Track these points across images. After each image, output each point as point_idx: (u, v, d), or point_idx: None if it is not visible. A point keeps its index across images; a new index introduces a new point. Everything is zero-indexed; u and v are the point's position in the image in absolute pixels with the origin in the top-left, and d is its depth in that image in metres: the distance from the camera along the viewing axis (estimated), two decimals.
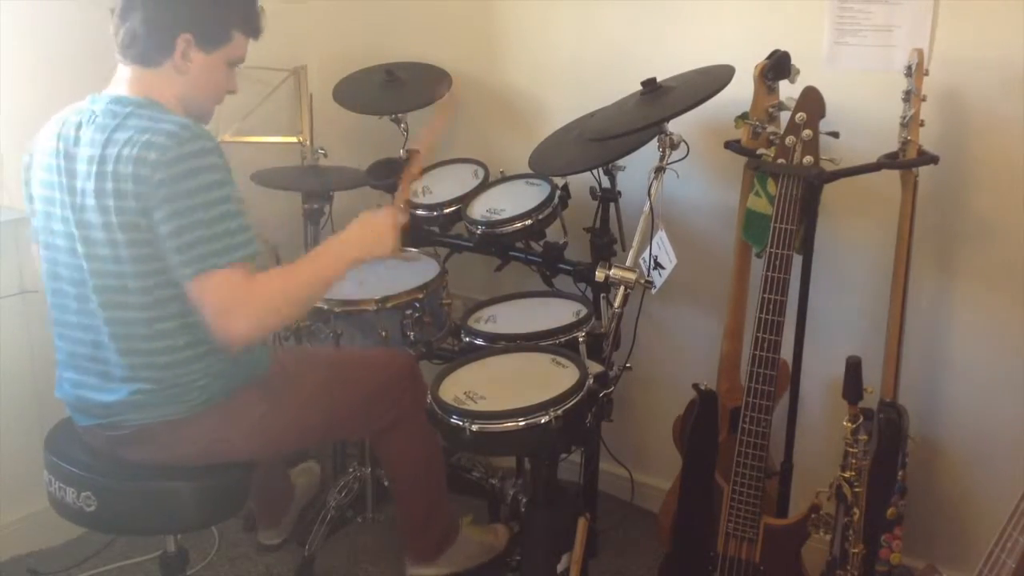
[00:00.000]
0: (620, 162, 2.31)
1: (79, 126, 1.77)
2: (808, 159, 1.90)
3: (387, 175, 2.65)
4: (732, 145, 2.19)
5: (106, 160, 1.70)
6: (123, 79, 1.80)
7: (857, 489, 1.88)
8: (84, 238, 1.76)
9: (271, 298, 1.76)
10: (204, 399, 1.83)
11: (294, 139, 2.89)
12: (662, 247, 2.12)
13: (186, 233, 1.68)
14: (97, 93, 1.82)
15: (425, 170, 2.73)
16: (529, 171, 2.44)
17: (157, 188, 1.66)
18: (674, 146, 2.07)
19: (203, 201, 1.68)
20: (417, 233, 2.61)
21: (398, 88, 2.72)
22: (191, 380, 1.81)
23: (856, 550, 1.92)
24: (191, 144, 1.69)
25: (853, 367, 1.81)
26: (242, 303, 1.71)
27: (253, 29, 1.87)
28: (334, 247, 1.88)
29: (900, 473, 1.99)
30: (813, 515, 1.95)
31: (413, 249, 2.56)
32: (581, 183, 2.41)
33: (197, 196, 1.68)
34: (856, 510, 1.89)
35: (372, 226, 1.90)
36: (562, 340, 2.16)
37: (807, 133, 1.90)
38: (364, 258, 1.88)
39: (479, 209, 2.48)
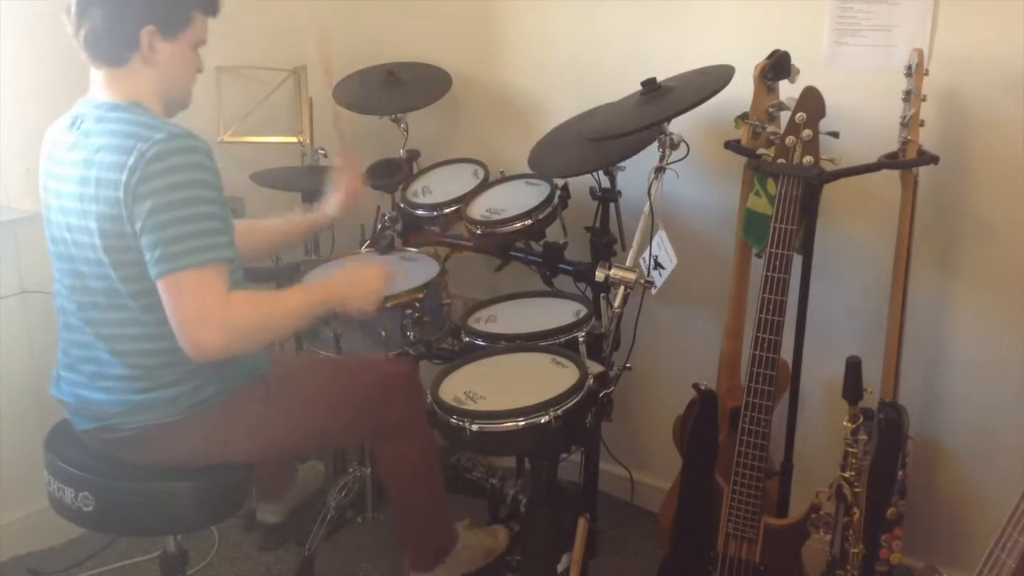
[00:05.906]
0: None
1: (68, 130, 1.77)
2: (808, 159, 1.90)
3: (387, 175, 2.65)
4: (732, 145, 2.19)
5: (91, 165, 1.70)
6: (100, 82, 1.78)
7: (857, 489, 1.88)
8: (75, 241, 1.76)
9: (249, 321, 1.74)
10: (198, 401, 1.83)
11: (294, 139, 2.89)
12: (662, 247, 2.12)
13: (159, 230, 1.65)
14: (84, 96, 1.81)
15: (425, 170, 2.73)
16: (529, 171, 2.44)
17: (136, 186, 1.65)
18: (674, 146, 2.07)
19: (180, 198, 1.66)
20: (417, 233, 2.61)
21: (398, 88, 2.72)
22: (183, 382, 1.81)
23: (856, 550, 1.92)
24: (176, 142, 1.67)
25: (853, 367, 1.81)
26: (216, 315, 1.68)
27: (212, 7, 1.84)
28: (319, 291, 1.90)
29: (900, 473, 1.98)
30: (813, 515, 1.95)
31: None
32: (581, 183, 2.41)
33: (174, 192, 1.66)
34: (856, 510, 1.89)
35: (362, 282, 1.94)
36: (562, 340, 2.16)
37: (807, 133, 1.90)
38: (342, 308, 1.93)
39: (479, 209, 2.47)
